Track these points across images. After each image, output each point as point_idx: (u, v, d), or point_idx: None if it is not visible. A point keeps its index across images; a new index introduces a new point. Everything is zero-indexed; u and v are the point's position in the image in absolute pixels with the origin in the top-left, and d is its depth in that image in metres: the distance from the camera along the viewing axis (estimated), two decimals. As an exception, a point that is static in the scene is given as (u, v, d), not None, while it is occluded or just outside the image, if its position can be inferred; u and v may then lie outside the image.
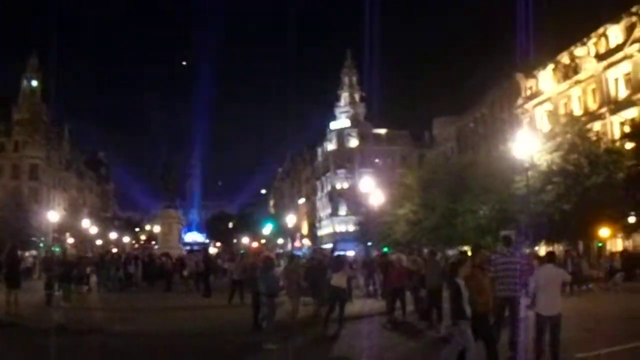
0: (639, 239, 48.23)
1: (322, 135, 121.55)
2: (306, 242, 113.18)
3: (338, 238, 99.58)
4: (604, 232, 42.75)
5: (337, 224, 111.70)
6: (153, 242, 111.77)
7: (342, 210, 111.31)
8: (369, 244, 69.86)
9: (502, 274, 14.83)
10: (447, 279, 13.04)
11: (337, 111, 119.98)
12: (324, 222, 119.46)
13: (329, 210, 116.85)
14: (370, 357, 16.32)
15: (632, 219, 43.30)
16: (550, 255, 15.27)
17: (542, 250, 44.09)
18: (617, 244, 50.46)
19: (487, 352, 11.95)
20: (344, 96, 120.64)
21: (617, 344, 15.23)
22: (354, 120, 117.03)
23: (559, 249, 46.07)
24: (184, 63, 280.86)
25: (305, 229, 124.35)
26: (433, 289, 20.26)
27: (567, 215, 41.65)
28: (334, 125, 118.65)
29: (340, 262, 23.19)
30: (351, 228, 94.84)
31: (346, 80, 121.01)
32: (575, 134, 45.39)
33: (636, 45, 57.36)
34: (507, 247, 16.11)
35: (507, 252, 15.64)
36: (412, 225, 56.13)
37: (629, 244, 48.66)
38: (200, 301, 30.72)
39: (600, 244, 45.77)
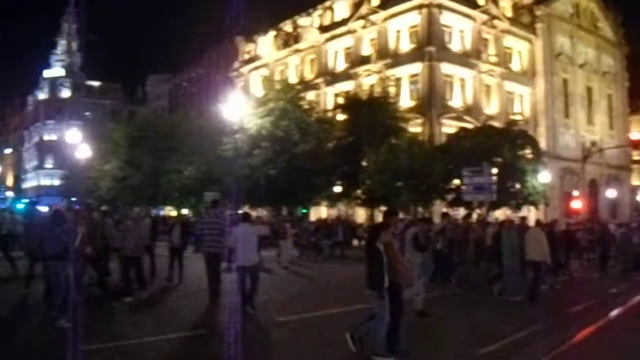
0: (343, 208, 49.12)
1: (34, 83, 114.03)
2: (10, 194, 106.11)
3: (43, 192, 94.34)
4: (309, 199, 42.98)
5: (42, 177, 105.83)
6: None
7: (49, 163, 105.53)
8: (74, 199, 66.60)
9: (207, 232, 16.50)
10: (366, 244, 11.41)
11: (53, 59, 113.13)
12: (29, 175, 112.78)
13: (35, 162, 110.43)
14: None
15: (337, 189, 43.90)
16: (245, 215, 16.75)
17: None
18: (322, 212, 51.34)
19: (391, 322, 10.45)
20: (61, 44, 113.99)
21: (316, 309, 15.51)
22: (69, 69, 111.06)
23: (264, 212, 46.29)
24: None
25: (10, 181, 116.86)
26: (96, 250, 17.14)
27: (274, 180, 41.41)
28: (47, 73, 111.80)
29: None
30: (57, 182, 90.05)
31: (65, 27, 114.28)
32: (288, 101, 45.25)
33: (360, 22, 58.86)
34: (213, 208, 18.27)
35: (213, 214, 17.60)
36: (117, 182, 53.86)
37: (333, 212, 49.61)
38: None
39: (304, 211, 46.14)
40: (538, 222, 20.83)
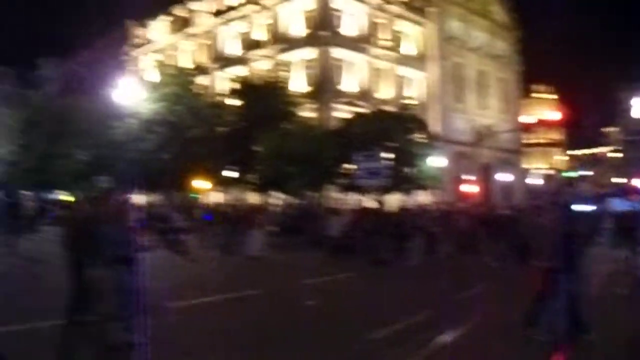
0: (235, 193, 48.62)
1: None
2: None
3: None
4: (202, 184, 42.54)
5: None
6: None
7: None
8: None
9: None
10: None
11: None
12: None
13: None
14: None
15: (230, 174, 43.44)
16: None
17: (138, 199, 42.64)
18: (216, 197, 50.86)
19: None
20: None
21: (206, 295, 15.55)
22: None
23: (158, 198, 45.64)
24: None
25: None
26: None
27: (166, 165, 40.74)
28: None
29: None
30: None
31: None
32: (181, 86, 44.51)
33: (254, 6, 58.41)
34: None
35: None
36: (9, 166, 52.44)
37: (226, 197, 49.18)
38: None
39: (195, 196, 45.63)
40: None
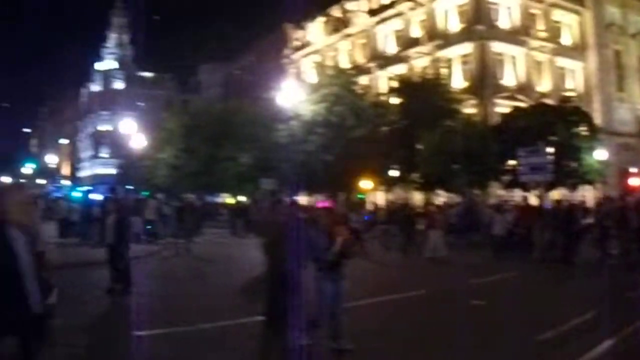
0: (400, 193, 49.10)
1: (86, 75, 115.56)
2: (66, 183, 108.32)
3: (99, 180, 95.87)
4: (366, 184, 43.18)
5: (98, 166, 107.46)
6: None
7: (104, 153, 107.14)
8: (130, 187, 67.86)
9: None
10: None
11: (104, 52, 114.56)
12: (85, 164, 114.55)
13: (90, 152, 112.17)
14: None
15: (394, 173, 43.99)
16: None
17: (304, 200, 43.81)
18: (379, 197, 51.43)
19: None
20: (112, 37, 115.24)
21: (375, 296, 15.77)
22: (121, 62, 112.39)
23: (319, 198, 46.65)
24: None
25: (66, 170, 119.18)
26: None
27: (329, 166, 41.65)
28: (99, 66, 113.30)
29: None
30: (113, 171, 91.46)
31: (115, 21, 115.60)
32: (341, 87, 45.34)
33: (408, 3, 58.69)
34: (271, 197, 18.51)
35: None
36: (172, 170, 54.80)
37: (391, 197, 49.62)
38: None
39: (361, 196, 46.29)
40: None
